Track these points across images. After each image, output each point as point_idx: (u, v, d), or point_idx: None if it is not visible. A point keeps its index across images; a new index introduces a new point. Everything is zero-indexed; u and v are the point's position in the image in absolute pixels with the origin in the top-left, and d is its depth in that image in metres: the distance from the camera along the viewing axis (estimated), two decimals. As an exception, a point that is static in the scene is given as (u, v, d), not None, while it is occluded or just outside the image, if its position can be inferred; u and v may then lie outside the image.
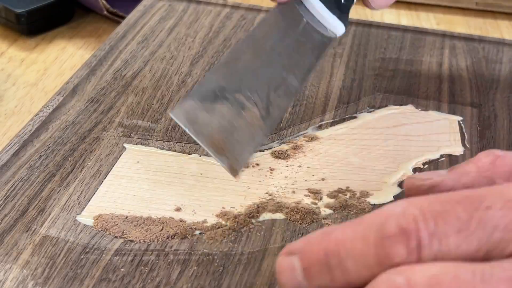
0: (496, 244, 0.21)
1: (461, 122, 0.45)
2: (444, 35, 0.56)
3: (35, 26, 0.60)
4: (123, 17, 0.59)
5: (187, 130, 0.32)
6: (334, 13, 0.37)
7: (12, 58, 0.56)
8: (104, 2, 0.59)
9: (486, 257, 0.22)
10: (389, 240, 0.22)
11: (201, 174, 0.39)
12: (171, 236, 0.34)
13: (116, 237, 0.34)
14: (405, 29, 0.57)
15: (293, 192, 0.38)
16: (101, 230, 0.34)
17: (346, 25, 0.38)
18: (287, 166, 0.40)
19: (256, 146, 0.34)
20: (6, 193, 0.37)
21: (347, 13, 0.38)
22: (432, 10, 0.67)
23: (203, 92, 0.34)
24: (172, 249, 0.34)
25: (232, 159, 0.33)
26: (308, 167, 0.40)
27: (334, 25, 0.38)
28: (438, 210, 0.22)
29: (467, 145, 0.43)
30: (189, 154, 0.41)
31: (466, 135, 0.43)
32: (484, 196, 0.22)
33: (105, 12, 0.60)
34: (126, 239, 0.34)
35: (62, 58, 0.56)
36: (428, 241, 0.22)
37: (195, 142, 0.41)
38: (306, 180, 0.39)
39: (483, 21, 0.65)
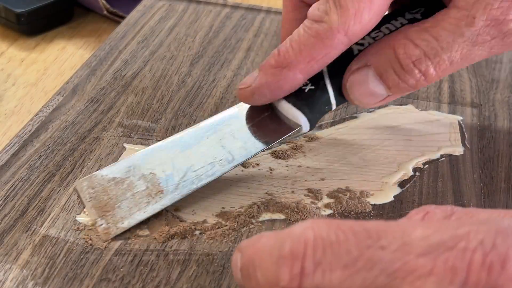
0: None
1: (461, 122, 0.45)
2: (444, 35, 0.56)
3: (35, 26, 0.60)
4: (123, 17, 0.59)
5: (82, 198, 0.35)
6: (303, 113, 0.36)
7: (12, 58, 0.57)
8: (104, 2, 0.60)
9: None
10: (281, 261, 0.22)
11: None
12: (171, 236, 0.34)
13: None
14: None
15: (293, 192, 0.38)
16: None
17: (312, 125, 0.37)
18: (287, 166, 0.40)
19: (143, 215, 0.34)
20: (6, 193, 0.37)
21: (318, 118, 0.37)
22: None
23: (117, 166, 0.36)
24: (172, 249, 0.34)
25: (110, 224, 0.34)
26: (308, 167, 0.40)
27: (300, 121, 0.36)
28: (332, 238, 0.21)
29: (467, 145, 0.43)
30: (189, 154, 0.41)
31: (466, 135, 0.43)
32: (384, 232, 0.21)
33: (105, 12, 0.60)
34: (126, 240, 0.34)
35: (62, 58, 0.56)
36: (311, 270, 0.21)
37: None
38: (306, 180, 0.39)
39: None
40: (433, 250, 0.20)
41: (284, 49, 0.35)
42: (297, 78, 0.35)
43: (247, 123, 0.37)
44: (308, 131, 0.37)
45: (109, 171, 0.36)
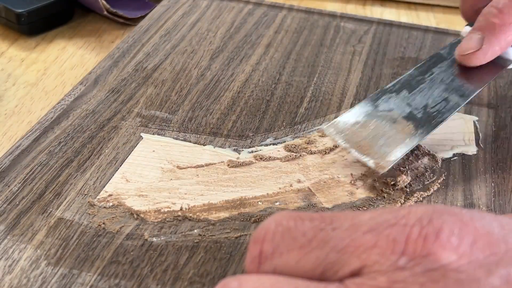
0: (331, 265, 0.22)
1: (476, 122, 0.45)
2: (465, 36, 0.56)
3: (35, 26, 0.59)
4: (123, 17, 0.60)
5: (337, 140, 0.38)
6: None
7: (12, 58, 0.56)
8: (104, 2, 0.59)
9: (322, 277, 0.22)
10: (249, 246, 0.24)
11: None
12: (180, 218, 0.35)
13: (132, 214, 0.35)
14: (426, 29, 0.57)
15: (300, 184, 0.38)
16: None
17: None
18: (298, 164, 0.40)
19: (407, 147, 0.37)
20: (25, 176, 0.38)
21: None
22: (432, 10, 0.66)
23: (354, 112, 0.39)
24: (182, 235, 0.34)
25: (378, 159, 0.37)
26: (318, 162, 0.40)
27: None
28: (291, 225, 0.23)
29: (481, 145, 0.43)
30: (204, 145, 0.41)
31: (480, 135, 0.44)
32: (338, 217, 0.23)
33: (105, 12, 0.60)
34: (138, 225, 0.35)
35: (62, 58, 0.56)
36: (270, 252, 0.23)
37: (209, 134, 0.42)
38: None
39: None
40: (377, 227, 0.22)
41: (503, 5, 0.37)
42: None
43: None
44: None
45: (349, 117, 0.39)
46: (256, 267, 0.24)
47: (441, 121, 0.38)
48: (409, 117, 0.38)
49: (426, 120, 0.38)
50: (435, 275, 0.20)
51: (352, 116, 0.39)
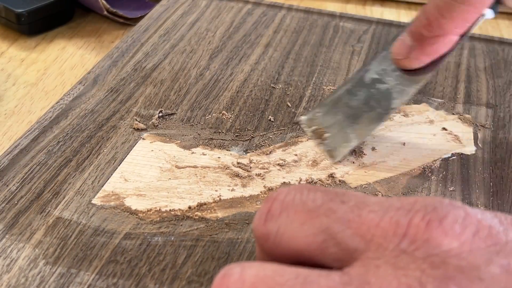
0: (333, 235, 0.23)
1: (475, 122, 0.45)
2: (464, 36, 0.56)
3: (35, 26, 0.59)
4: (123, 17, 0.60)
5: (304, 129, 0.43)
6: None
7: (12, 58, 0.56)
8: (104, 2, 0.59)
9: (322, 245, 0.23)
10: (261, 205, 0.25)
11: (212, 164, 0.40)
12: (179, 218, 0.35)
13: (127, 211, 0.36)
14: (425, 29, 0.57)
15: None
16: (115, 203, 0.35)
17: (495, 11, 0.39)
18: (296, 158, 0.41)
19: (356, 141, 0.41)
20: (23, 176, 0.38)
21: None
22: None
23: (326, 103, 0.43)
24: (180, 235, 0.34)
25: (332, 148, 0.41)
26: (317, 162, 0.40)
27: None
28: (304, 191, 0.24)
29: (479, 144, 0.43)
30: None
31: (479, 134, 0.44)
32: (349, 194, 0.24)
33: (105, 12, 0.60)
34: (136, 224, 0.35)
35: (62, 58, 0.56)
36: (278, 211, 0.24)
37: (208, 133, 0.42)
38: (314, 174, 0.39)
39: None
40: (383, 209, 0.23)
41: (433, 18, 0.36)
42: (454, 39, 0.37)
43: None
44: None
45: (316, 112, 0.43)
46: (262, 224, 0.24)
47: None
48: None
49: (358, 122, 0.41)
50: (436, 260, 0.21)
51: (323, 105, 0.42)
